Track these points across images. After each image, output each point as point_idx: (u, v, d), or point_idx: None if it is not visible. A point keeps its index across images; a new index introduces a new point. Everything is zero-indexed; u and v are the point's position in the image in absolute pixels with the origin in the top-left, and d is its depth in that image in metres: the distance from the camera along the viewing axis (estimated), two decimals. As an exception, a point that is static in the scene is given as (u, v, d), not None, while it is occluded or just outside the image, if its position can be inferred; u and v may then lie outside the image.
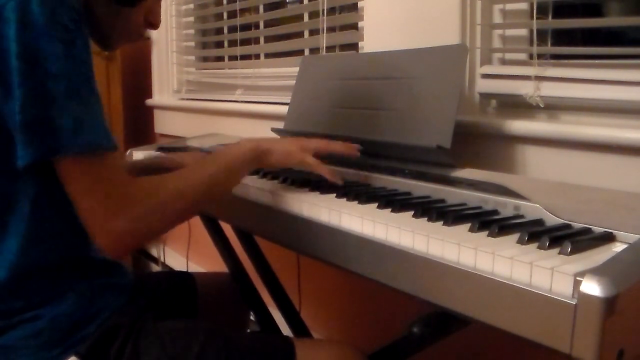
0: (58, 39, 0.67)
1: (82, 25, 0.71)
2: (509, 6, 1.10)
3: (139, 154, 1.39)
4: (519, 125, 1.01)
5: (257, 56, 1.90)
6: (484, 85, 1.11)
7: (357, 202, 0.79)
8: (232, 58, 2.02)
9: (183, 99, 2.28)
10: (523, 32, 1.09)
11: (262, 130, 1.38)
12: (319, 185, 0.88)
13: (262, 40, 1.86)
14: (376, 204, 0.77)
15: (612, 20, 1.02)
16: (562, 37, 1.09)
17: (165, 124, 2.42)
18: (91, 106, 0.71)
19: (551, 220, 0.69)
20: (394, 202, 0.75)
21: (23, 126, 0.67)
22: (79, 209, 0.71)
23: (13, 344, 0.74)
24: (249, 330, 1.35)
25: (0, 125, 0.70)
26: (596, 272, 0.48)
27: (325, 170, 0.87)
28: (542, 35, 1.03)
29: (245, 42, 1.93)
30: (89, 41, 0.74)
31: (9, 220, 0.75)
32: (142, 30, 0.88)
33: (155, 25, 0.89)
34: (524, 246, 0.59)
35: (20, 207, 0.74)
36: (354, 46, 1.48)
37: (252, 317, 1.35)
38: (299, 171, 1.06)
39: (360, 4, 1.41)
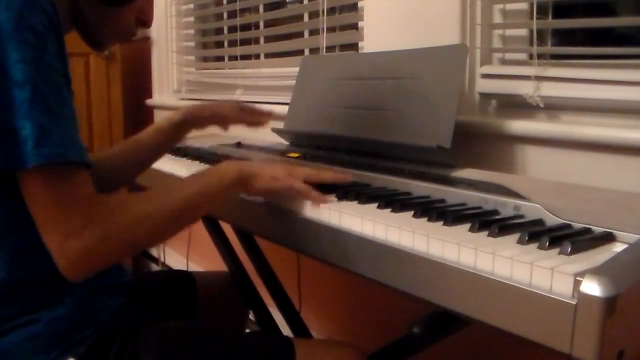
0: (25, 44, 0.63)
1: (56, 29, 0.67)
2: (509, 6, 1.10)
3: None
4: (519, 125, 1.01)
5: (257, 56, 1.90)
6: (484, 85, 1.11)
7: (357, 202, 0.79)
8: (232, 58, 2.02)
9: (183, 99, 2.28)
10: (523, 32, 1.09)
11: (262, 130, 1.37)
12: (318, 185, 0.88)
13: (262, 40, 1.86)
14: (376, 204, 0.77)
15: (612, 21, 1.02)
16: (562, 37, 1.09)
17: (165, 124, 2.41)
18: (60, 116, 0.66)
19: (551, 220, 0.69)
20: (394, 202, 0.75)
21: None
22: (39, 225, 0.66)
23: (10, 347, 0.73)
24: (248, 330, 1.35)
25: None
26: (596, 272, 0.48)
27: (313, 198, 0.80)
28: (542, 35, 1.04)
29: (245, 42, 1.93)
30: (63, 45, 0.70)
31: None
32: (133, 29, 0.86)
33: (147, 23, 0.86)
34: (524, 246, 0.58)
35: (2, 223, 0.71)
36: (354, 46, 1.48)
37: (252, 317, 1.35)
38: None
39: (360, 4, 1.41)
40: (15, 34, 0.63)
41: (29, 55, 0.64)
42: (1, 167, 0.65)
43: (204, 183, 0.78)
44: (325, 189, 0.86)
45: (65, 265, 0.66)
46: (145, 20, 0.87)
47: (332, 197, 0.83)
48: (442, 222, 0.68)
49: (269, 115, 1.13)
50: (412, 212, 0.72)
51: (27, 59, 0.64)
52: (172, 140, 1.09)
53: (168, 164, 1.18)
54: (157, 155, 1.09)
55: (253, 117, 1.13)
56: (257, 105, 1.15)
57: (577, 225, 0.66)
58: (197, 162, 1.19)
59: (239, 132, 1.74)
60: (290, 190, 0.81)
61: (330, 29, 1.53)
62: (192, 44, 2.31)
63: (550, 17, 1.02)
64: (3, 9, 0.63)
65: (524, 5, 1.07)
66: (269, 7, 1.84)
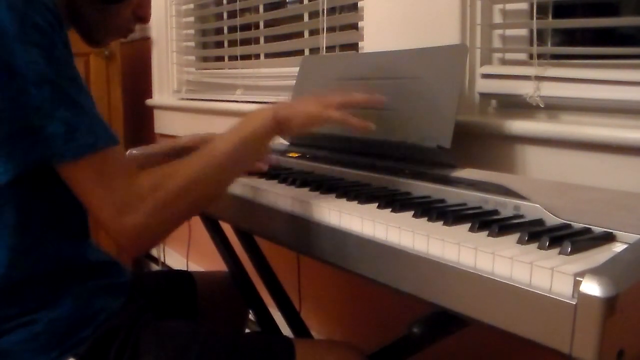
0: (34, 44, 0.64)
1: (60, 24, 0.68)
2: (509, 6, 1.10)
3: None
4: (519, 125, 1.01)
5: (257, 56, 1.90)
6: (484, 85, 1.11)
7: (357, 202, 0.79)
8: (232, 58, 2.02)
9: (183, 99, 2.28)
10: (523, 32, 1.09)
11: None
12: (319, 185, 0.88)
13: (262, 40, 1.86)
14: (376, 204, 0.77)
15: (612, 21, 1.02)
16: (562, 37, 1.09)
17: (165, 124, 2.42)
18: (82, 106, 0.67)
19: (551, 220, 0.69)
20: (394, 202, 0.75)
21: (3, 140, 0.65)
22: (91, 209, 0.68)
23: (10, 347, 0.73)
24: (249, 330, 1.35)
25: None
26: (596, 272, 0.48)
27: (355, 121, 0.82)
28: (542, 35, 1.03)
29: (245, 42, 1.93)
30: (67, 38, 0.70)
31: None
32: (131, 25, 0.86)
33: (144, 19, 0.86)
34: (524, 246, 0.59)
35: (5, 220, 0.72)
36: (354, 46, 1.48)
37: (252, 317, 1.35)
38: (299, 171, 1.06)
39: (360, 4, 1.41)
40: (23, 36, 0.63)
41: (39, 54, 0.64)
42: (26, 166, 0.67)
43: (241, 136, 0.78)
44: (326, 188, 0.86)
45: (125, 242, 0.68)
46: (142, 16, 0.86)
47: (332, 196, 0.83)
48: (442, 222, 0.68)
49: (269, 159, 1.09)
50: (412, 212, 0.72)
51: (39, 58, 0.64)
52: None
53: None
54: None
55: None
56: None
57: (577, 225, 0.66)
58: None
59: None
60: (328, 123, 0.81)
61: (330, 29, 1.53)
62: (192, 44, 2.31)
63: (550, 17, 1.02)
64: (5, 10, 0.62)
65: (524, 5, 1.07)
66: (269, 7, 1.84)
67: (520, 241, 0.60)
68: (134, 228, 0.67)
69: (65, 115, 0.65)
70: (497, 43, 1.13)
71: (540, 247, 0.58)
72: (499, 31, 1.12)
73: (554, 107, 1.02)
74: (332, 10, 1.54)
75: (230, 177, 0.78)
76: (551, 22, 1.03)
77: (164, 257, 2.45)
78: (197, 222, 1.32)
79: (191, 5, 2.25)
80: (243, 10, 1.93)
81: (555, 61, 1.03)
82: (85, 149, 0.66)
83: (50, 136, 0.65)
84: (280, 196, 0.85)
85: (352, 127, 0.83)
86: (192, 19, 2.28)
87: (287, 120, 0.80)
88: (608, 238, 0.62)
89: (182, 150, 1.09)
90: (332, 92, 0.84)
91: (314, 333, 1.48)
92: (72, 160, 0.66)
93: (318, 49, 1.53)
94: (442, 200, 0.81)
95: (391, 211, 0.74)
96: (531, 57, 1.04)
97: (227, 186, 0.79)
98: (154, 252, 2.55)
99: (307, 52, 1.66)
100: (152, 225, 0.69)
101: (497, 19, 1.12)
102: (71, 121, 0.66)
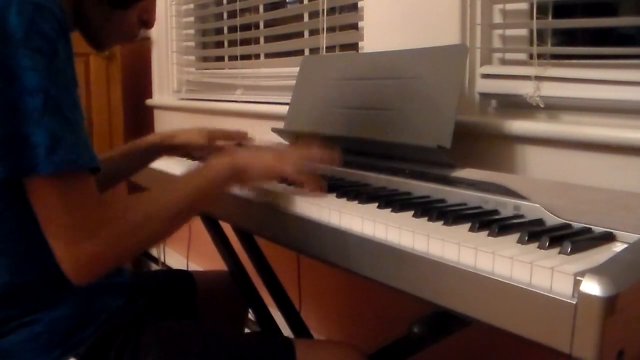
0: (37, 50, 0.63)
1: (64, 32, 0.68)
2: (509, 6, 1.10)
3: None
4: (519, 125, 1.01)
5: (257, 56, 1.90)
6: (484, 85, 1.11)
7: (357, 202, 0.79)
8: (232, 58, 2.02)
9: (183, 99, 2.28)
10: (523, 32, 1.09)
11: (263, 131, 1.38)
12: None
13: (262, 40, 1.87)
14: (376, 204, 0.77)
15: (612, 21, 1.02)
16: (562, 37, 1.09)
17: (165, 124, 2.42)
18: (70, 121, 0.66)
19: (551, 220, 0.69)
20: (394, 202, 0.75)
21: None
22: (45, 231, 0.67)
23: (11, 347, 0.73)
24: (249, 331, 1.35)
25: None
26: (596, 271, 0.48)
27: (307, 180, 0.84)
28: (542, 35, 1.04)
29: (245, 42, 1.93)
30: (71, 48, 0.70)
31: None
32: (136, 30, 0.86)
33: (149, 24, 0.87)
34: (524, 246, 0.59)
35: (6, 225, 0.71)
36: (354, 46, 1.48)
37: (252, 317, 1.35)
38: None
39: (360, 4, 1.41)
40: (27, 41, 0.63)
41: (40, 62, 0.64)
42: (12, 173, 0.66)
43: (201, 181, 0.80)
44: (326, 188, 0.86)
45: (74, 269, 0.67)
46: (147, 21, 0.87)
47: (332, 196, 0.83)
48: (442, 222, 0.68)
49: (243, 136, 1.16)
50: (412, 212, 0.72)
51: (39, 66, 0.64)
52: (141, 165, 1.12)
53: (167, 164, 1.18)
54: (123, 177, 1.13)
55: (226, 140, 1.16)
56: (227, 127, 1.17)
57: (577, 225, 0.66)
58: (197, 162, 1.20)
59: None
60: (283, 176, 0.83)
61: (330, 29, 1.53)
62: (192, 44, 2.31)
63: (550, 17, 1.02)
64: (14, 14, 0.62)
65: (524, 5, 1.07)
66: (269, 7, 1.84)
67: (520, 241, 0.60)
68: (85, 258, 0.66)
69: (53, 127, 0.64)
70: (497, 43, 1.13)
71: (540, 247, 0.58)
72: (499, 31, 1.12)
73: (554, 107, 1.02)
74: (332, 10, 1.54)
75: (184, 218, 0.79)
76: (551, 22, 1.03)
77: (164, 257, 2.45)
78: (197, 222, 1.33)
79: (191, 5, 2.25)
80: (243, 10, 1.93)
81: (555, 61, 1.03)
82: (64, 164, 0.65)
83: (34, 146, 0.64)
84: (280, 196, 0.85)
85: (304, 185, 0.85)
86: (192, 19, 2.28)
87: (245, 171, 0.82)
88: (608, 238, 0.62)
89: (152, 149, 1.11)
90: (292, 147, 0.86)
91: (314, 333, 1.48)
92: (48, 173, 0.65)
93: (318, 49, 1.53)
94: (442, 200, 0.81)
95: (391, 211, 0.74)
96: (531, 57, 1.04)
97: (178, 228, 0.79)
98: (154, 252, 2.55)
99: (307, 52, 1.66)
100: (105, 255, 0.68)
101: (497, 19, 1.12)
102: (57, 134, 0.65)
